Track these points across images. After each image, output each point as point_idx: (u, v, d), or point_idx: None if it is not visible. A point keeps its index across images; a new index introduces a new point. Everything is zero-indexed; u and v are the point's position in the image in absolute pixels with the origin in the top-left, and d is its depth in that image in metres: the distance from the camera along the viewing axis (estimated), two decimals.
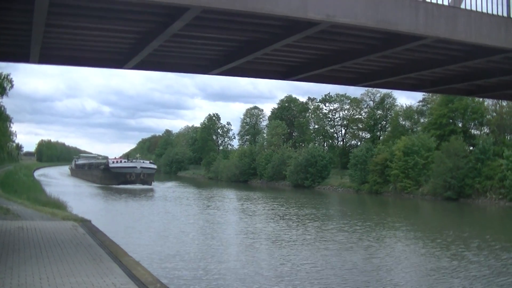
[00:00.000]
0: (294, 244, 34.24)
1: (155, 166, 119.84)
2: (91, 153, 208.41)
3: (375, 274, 25.77)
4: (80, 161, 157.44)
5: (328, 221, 48.78)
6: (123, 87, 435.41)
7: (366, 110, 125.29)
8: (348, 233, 40.00)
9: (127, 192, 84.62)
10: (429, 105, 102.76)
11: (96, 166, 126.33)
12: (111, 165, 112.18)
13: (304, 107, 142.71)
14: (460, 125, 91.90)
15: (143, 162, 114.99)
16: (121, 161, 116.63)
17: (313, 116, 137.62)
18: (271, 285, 22.88)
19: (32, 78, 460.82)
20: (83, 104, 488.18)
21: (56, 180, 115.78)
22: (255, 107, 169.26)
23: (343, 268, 26.72)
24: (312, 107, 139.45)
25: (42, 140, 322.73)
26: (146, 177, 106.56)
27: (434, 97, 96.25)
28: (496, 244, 36.04)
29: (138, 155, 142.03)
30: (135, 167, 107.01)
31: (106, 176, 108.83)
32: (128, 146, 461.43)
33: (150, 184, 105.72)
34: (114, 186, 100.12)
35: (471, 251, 33.09)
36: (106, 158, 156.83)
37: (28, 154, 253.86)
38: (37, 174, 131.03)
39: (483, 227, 48.65)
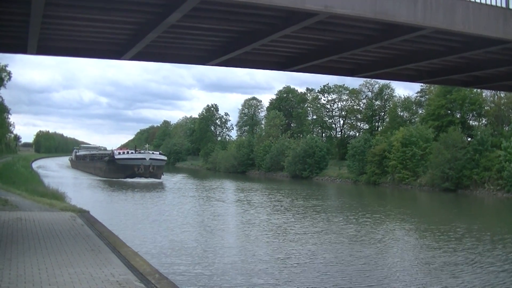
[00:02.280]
0: (301, 238, 33.50)
1: (165, 158, 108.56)
2: (89, 144, 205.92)
3: (388, 269, 25.17)
4: (81, 152, 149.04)
5: (333, 213, 48.29)
6: (120, 78, 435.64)
7: (364, 101, 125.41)
8: (356, 225, 39.49)
9: (133, 186, 78.89)
10: (427, 96, 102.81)
11: (100, 157, 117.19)
12: (116, 156, 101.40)
13: (302, 97, 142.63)
14: (458, 116, 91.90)
15: (153, 153, 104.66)
16: (128, 152, 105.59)
17: (311, 106, 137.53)
18: (277, 281, 22.41)
19: (29, 69, 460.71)
20: (80, 95, 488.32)
21: (55, 173, 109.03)
22: (254, 98, 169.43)
23: (354, 263, 26.02)
24: (310, 98, 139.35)
25: (40, 131, 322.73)
26: (155, 170, 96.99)
27: (432, 88, 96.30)
28: (508, 237, 35.51)
29: (147, 145, 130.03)
30: (144, 158, 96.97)
31: (111, 168, 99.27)
32: (126, 137, 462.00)
33: (160, 178, 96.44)
34: (120, 179, 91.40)
35: (486, 245, 32.32)
36: (105, 148, 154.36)
37: (26, 145, 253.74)
38: (35, 165, 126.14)
39: (492, 219, 48.46)
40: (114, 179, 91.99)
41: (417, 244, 33.02)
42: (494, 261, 27.60)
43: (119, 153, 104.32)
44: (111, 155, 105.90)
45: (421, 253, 29.46)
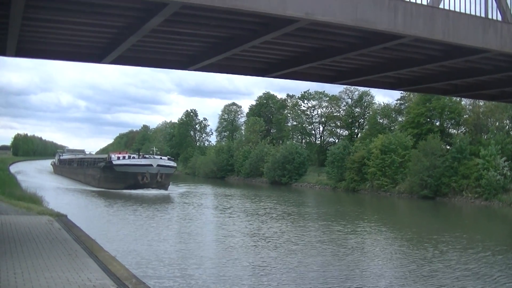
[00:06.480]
0: (286, 247, 32.80)
1: (175, 164, 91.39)
2: (67, 147, 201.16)
3: (398, 282, 24.60)
4: (66, 156, 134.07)
5: (317, 221, 47.85)
6: (98, 81, 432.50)
7: (344, 107, 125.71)
8: (341, 234, 39.20)
9: (136, 200, 65.16)
10: (406, 104, 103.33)
11: (92, 162, 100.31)
12: (115, 161, 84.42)
13: (282, 104, 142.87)
14: (437, 124, 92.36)
15: (161, 158, 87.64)
16: (129, 157, 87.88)
17: (291, 113, 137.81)
18: None
19: (5, 71, 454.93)
20: (58, 98, 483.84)
21: (35, 179, 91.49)
22: (233, 103, 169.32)
23: (354, 275, 25.60)
24: (290, 104, 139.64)
25: (18, 134, 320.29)
26: (164, 179, 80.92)
27: (412, 96, 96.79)
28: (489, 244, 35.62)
29: (154, 149, 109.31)
30: (150, 165, 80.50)
31: (108, 177, 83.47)
32: (105, 141, 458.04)
33: (167, 189, 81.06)
34: (120, 190, 75.88)
35: (500, 255, 31.88)
36: (83, 151, 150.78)
37: (4, 148, 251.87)
38: (13, 170, 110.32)
39: (490, 229, 48.42)
40: (112, 190, 77.22)
41: (439, 256, 31.88)
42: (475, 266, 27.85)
43: (118, 158, 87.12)
44: (107, 160, 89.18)
45: (407, 261, 29.45)
